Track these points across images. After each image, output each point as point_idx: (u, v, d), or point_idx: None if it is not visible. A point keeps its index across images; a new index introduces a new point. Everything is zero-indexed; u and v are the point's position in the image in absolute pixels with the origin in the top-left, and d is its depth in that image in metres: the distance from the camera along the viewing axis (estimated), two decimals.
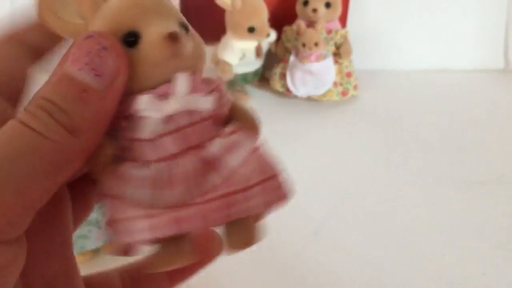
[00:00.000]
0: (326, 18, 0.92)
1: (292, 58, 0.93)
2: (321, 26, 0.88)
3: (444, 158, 0.82)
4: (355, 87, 0.96)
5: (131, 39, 0.21)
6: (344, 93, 0.95)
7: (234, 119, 0.24)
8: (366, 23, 1.03)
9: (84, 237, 0.61)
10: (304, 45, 0.88)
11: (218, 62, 0.94)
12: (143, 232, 0.23)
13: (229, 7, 0.85)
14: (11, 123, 0.19)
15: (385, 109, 0.94)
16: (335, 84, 0.94)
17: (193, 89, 0.23)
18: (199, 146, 0.23)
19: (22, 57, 0.23)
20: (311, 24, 0.90)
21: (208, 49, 0.91)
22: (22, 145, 0.19)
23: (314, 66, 0.90)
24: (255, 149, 0.24)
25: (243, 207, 0.24)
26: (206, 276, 0.62)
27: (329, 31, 0.92)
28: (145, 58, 0.22)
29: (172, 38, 0.21)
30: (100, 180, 0.23)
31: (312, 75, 0.91)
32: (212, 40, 0.97)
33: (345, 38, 0.93)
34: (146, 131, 0.22)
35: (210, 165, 0.23)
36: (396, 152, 0.83)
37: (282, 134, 0.87)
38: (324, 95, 0.94)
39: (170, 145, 0.23)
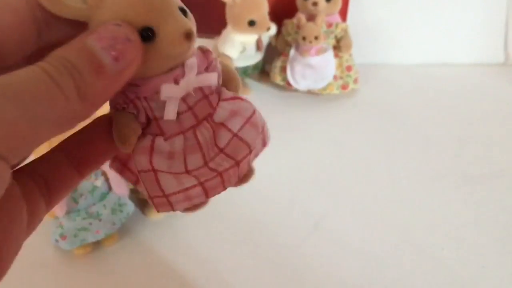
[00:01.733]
0: (326, 12, 0.92)
1: (292, 51, 0.93)
2: (321, 19, 0.88)
3: (444, 151, 0.82)
4: (355, 81, 0.96)
5: (147, 35, 0.24)
6: (344, 86, 0.95)
7: (224, 80, 0.30)
8: (367, 17, 1.03)
9: (85, 230, 0.62)
10: (304, 38, 0.88)
11: (219, 55, 0.94)
12: (182, 203, 0.29)
13: (230, 0, 0.85)
14: (32, 68, 0.21)
15: (385, 103, 0.94)
16: (335, 77, 0.94)
17: (199, 67, 0.27)
18: (210, 114, 0.28)
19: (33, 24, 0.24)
20: (311, 17, 0.90)
21: (209, 43, 0.91)
22: (42, 88, 0.21)
23: (314, 59, 0.90)
24: (253, 112, 0.29)
25: (248, 162, 0.30)
26: (206, 267, 0.62)
27: (330, 25, 0.92)
28: (161, 52, 0.25)
29: (188, 36, 0.25)
30: (132, 157, 0.28)
31: (312, 68, 0.91)
32: (212, 33, 0.97)
33: (345, 31, 0.93)
34: (169, 112, 0.27)
35: (220, 128, 0.28)
36: (395, 146, 0.83)
37: (282, 127, 0.87)
38: (324, 88, 0.94)
39: (190, 119, 0.27)
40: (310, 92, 0.95)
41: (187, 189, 0.28)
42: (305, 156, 0.81)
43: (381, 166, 0.79)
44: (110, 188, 0.63)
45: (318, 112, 0.92)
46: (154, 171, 0.28)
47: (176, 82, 0.26)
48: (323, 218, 0.70)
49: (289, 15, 0.92)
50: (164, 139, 0.27)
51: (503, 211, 0.71)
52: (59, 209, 0.60)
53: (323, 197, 0.73)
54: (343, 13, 0.99)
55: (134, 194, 0.68)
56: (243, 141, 0.28)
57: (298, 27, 0.90)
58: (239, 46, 0.90)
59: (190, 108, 0.27)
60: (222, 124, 0.28)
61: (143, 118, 0.27)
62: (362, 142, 0.84)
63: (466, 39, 1.06)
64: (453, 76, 1.03)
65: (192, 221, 0.70)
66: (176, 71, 0.26)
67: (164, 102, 0.27)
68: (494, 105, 0.94)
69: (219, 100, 0.28)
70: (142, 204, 0.70)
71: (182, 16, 0.26)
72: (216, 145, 0.28)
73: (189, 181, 0.28)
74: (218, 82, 0.29)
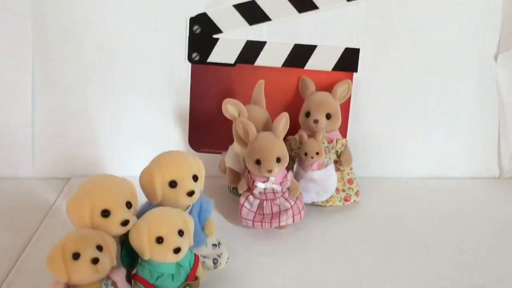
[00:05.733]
0: (327, 129, 0.97)
1: (295, 166, 0.97)
2: (322, 136, 0.93)
3: (444, 261, 0.83)
4: (357, 193, 0.99)
5: None
6: (346, 199, 0.98)
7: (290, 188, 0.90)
8: (366, 133, 1.08)
9: None
10: (306, 154, 0.92)
11: (226, 170, 0.97)
12: (249, 221, 0.90)
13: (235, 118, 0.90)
14: None
15: (386, 214, 0.97)
16: (337, 190, 0.97)
17: (276, 181, 0.87)
18: (273, 199, 0.89)
19: None
20: (313, 134, 0.95)
21: (217, 157, 0.96)
22: None
23: (316, 173, 0.94)
24: (291, 206, 0.90)
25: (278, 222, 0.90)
26: None
27: (330, 141, 0.97)
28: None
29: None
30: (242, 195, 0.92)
31: (315, 182, 0.94)
32: (220, 149, 1.02)
33: (345, 146, 0.98)
34: (257, 190, 0.88)
35: (274, 205, 0.89)
36: (397, 256, 0.85)
37: (286, 237, 0.89)
38: (327, 201, 0.97)
39: (262, 196, 0.89)
40: (314, 204, 0.98)
41: (253, 219, 0.89)
42: (309, 266, 0.82)
43: (383, 276, 0.80)
44: None
45: (322, 223, 0.94)
46: (243, 205, 0.90)
47: (264, 182, 0.87)
48: None
49: (292, 131, 0.97)
50: (253, 197, 0.90)
51: None
52: None
53: None
54: (343, 129, 1.04)
55: None
56: (279, 213, 0.89)
57: (300, 143, 0.95)
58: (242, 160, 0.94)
59: (265, 193, 0.89)
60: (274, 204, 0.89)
61: (249, 185, 0.90)
62: (364, 252, 0.86)
63: (462, 153, 1.10)
64: (450, 188, 1.06)
65: None
66: (265, 178, 0.87)
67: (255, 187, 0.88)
68: (491, 216, 0.96)
69: (281, 195, 0.89)
70: None
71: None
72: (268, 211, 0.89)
73: (253, 215, 0.89)
74: (283, 188, 0.89)
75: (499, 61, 1.05)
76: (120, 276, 0.65)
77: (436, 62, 1.04)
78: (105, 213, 0.66)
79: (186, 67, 1.04)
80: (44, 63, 1.04)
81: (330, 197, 0.97)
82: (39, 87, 1.05)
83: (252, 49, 1.02)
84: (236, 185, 0.93)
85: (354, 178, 1.00)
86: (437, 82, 1.06)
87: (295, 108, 1.01)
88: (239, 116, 0.90)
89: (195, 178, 0.74)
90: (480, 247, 0.87)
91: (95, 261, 0.61)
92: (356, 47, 1.03)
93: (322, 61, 1.03)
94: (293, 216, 0.88)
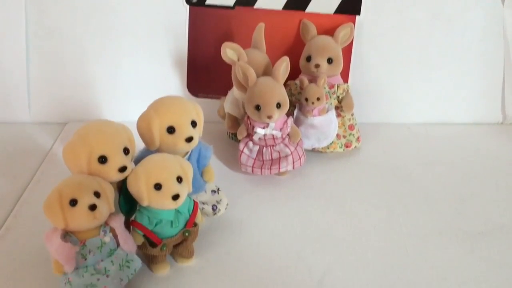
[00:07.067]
0: (328, 73, 0.95)
1: (296, 111, 0.95)
2: (323, 81, 0.91)
3: (445, 209, 0.83)
4: (357, 139, 0.98)
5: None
6: (347, 145, 0.98)
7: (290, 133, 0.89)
8: (368, 78, 1.06)
9: (92, 286, 0.63)
10: (307, 99, 0.91)
11: (225, 115, 0.96)
12: (248, 167, 0.90)
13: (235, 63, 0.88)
14: None
15: (387, 161, 0.97)
16: (338, 136, 0.96)
17: (276, 126, 0.86)
18: (273, 145, 0.88)
19: None
20: (313, 79, 0.93)
21: (216, 102, 0.95)
22: None
23: (317, 119, 0.93)
24: (291, 153, 0.89)
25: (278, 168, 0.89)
26: None
27: (332, 86, 0.95)
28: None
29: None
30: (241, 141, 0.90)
31: (315, 128, 0.93)
32: (219, 94, 1.01)
33: (347, 92, 0.96)
34: (256, 136, 0.87)
35: (272, 151, 0.89)
36: (398, 203, 0.84)
37: (287, 184, 0.89)
38: (328, 147, 0.96)
39: (262, 143, 0.88)
40: (314, 150, 0.97)
41: (252, 165, 0.89)
42: (309, 213, 0.82)
43: (383, 223, 0.80)
44: (118, 244, 0.65)
45: (322, 169, 0.94)
46: (243, 151, 0.89)
47: (264, 128, 0.86)
48: (327, 274, 0.70)
49: (293, 76, 0.96)
50: (252, 143, 0.89)
51: (504, 267, 0.71)
52: (68, 265, 0.61)
53: (327, 253, 0.74)
54: (345, 75, 1.03)
55: (142, 250, 0.69)
56: (279, 159, 0.88)
57: (301, 88, 0.93)
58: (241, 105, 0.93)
59: (264, 140, 0.87)
60: (274, 150, 0.88)
61: (248, 131, 0.88)
62: (365, 199, 0.86)
63: (465, 99, 1.08)
64: (452, 135, 1.05)
65: (198, 277, 0.70)
66: (265, 124, 0.85)
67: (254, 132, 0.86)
68: (493, 163, 0.96)
69: (281, 142, 0.88)
70: (149, 260, 0.71)
71: None
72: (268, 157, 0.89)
73: (252, 162, 0.89)
74: (283, 134, 0.87)
75: (506, 4, 1.01)
76: (118, 223, 0.65)
77: (441, 5, 1.01)
78: (102, 159, 0.65)
79: (184, 10, 1.01)
80: (38, 7, 1.01)
81: (331, 143, 0.96)
82: (33, 31, 1.02)
83: None
84: (235, 131, 0.92)
85: (355, 124, 0.98)
86: (442, 26, 1.03)
87: (296, 52, 0.98)
88: (238, 60, 0.88)
89: (194, 123, 0.73)
90: (482, 193, 0.87)
91: (92, 207, 0.60)
92: None
93: (324, 3, 1.00)
94: (293, 162, 0.88)
